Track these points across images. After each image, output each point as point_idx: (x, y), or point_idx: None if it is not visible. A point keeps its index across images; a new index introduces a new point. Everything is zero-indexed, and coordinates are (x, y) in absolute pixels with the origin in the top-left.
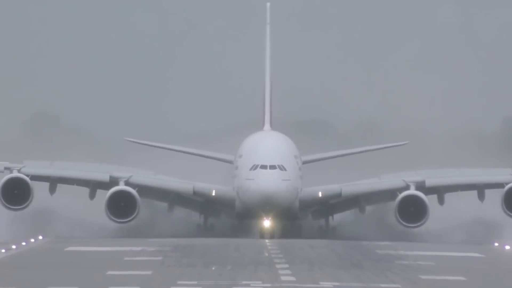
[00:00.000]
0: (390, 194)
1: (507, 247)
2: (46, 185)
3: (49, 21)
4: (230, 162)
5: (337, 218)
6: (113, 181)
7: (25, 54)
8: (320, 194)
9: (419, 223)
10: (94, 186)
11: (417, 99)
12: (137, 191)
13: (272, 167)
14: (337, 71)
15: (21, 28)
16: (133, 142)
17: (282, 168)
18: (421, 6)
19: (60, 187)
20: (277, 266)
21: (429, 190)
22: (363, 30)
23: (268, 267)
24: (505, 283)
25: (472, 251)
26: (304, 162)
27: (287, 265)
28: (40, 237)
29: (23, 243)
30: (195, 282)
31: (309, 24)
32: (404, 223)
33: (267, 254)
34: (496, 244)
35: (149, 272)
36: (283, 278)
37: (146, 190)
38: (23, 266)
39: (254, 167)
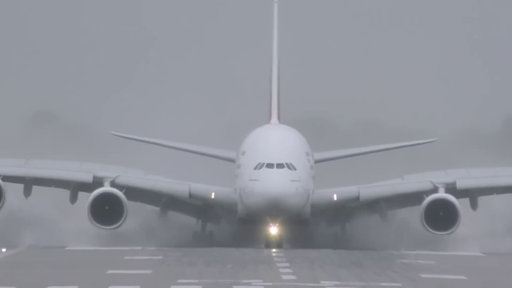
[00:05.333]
0: (415, 197)
1: None
2: (19, 186)
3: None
4: (232, 160)
5: (355, 224)
6: (97, 182)
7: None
8: (335, 197)
9: (449, 231)
10: (75, 187)
11: (419, 98)
12: (125, 193)
13: (280, 165)
14: (336, 70)
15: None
16: (121, 137)
17: (291, 167)
18: (422, 5)
19: (36, 189)
20: (278, 264)
21: (460, 193)
22: (365, 30)
23: (269, 265)
24: (506, 282)
25: (472, 250)
26: (317, 161)
27: (287, 264)
28: (3, 250)
29: None
30: (196, 281)
31: (311, 24)
32: (431, 230)
33: (267, 253)
34: None
35: (149, 271)
36: (284, 277)
37: (134, 192)
38: (23, 265)
39: (259, 166)
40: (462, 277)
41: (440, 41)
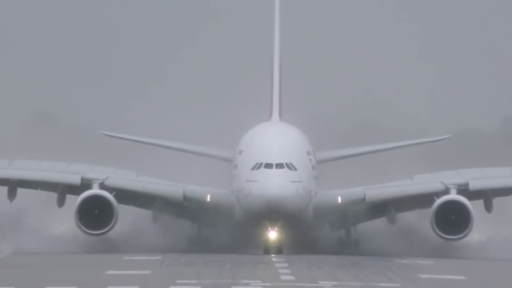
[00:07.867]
0: (425, 199)
1: None
2: (3, 189)
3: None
4: (229, 160)
5: (361, 228)
6: (85, 184)
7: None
8: (339, 200)
9: (461, 235)
10: (63, 190)
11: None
12: (114, 196)
13: (279, 166)
14: (335, 69)
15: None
16: (111, 136)
17: (291, 167)
18: (423, 6)
19: (21, 191)
20: (277, 265)
21: (473, 194)
22: (366, 29)
23: (267, 266)
24: (505, 282)
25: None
26: (320, 161)
27: (286, 264)
28: None
29: None
30: (195, 281)
31: (312, 23)
32: (442, 234)
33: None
34: None
35: (148, 272)
36: (283, 277)
37: (125, 195)
38: (22, 265)
39: (257, 166)
40: (461, 277)
41: (440, 42)
